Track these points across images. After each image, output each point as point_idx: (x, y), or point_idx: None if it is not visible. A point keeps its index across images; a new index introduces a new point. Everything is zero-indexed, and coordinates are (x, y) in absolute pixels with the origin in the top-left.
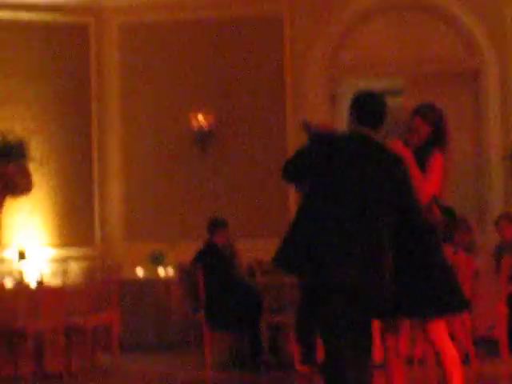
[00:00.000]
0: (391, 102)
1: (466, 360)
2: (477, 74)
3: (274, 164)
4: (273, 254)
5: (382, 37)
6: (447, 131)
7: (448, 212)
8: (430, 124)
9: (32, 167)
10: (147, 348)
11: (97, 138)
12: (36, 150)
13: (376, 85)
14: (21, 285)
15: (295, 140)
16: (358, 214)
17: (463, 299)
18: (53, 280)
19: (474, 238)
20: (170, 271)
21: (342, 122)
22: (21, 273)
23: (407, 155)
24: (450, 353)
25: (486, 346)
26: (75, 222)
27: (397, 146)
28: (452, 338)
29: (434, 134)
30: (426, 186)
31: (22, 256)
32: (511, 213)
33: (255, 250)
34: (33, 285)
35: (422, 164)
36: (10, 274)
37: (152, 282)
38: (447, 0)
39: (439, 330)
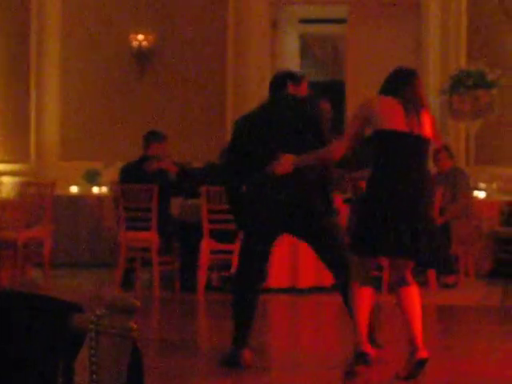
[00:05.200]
0: (335, 31)
1: (391, 290)
2: (419, 4)
3: (213, 85)
4: None
5: None
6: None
7: None
8: None
9: None
10: (79, 265)
11: (35, 53)
12: None
13: (319, 13)
14: None
15: (234, 62)
16: None
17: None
18: None
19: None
20: (105, 190)
21: (281, 47)
22: None
23: None
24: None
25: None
26: (11, 138)
27: None
28: (379, 267)
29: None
30: None
31: None
32: (449, 146)
33: None
34: None
35: None
36: None
37: (86, 199)
38: None
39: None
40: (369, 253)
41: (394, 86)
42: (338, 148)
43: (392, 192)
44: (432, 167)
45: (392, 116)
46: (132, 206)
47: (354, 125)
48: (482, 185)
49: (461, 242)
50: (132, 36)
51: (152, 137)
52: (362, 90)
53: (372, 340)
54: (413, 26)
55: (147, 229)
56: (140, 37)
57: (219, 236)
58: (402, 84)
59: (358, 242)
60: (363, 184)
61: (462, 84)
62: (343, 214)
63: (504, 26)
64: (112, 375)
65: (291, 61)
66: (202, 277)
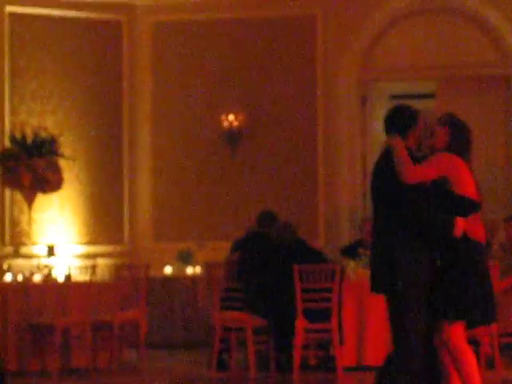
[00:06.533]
0: (423, 106)
1: (490, 365)
2: (508, 79)
3: (303, 163)
4: None
5: (414, 40)
6: (464, 139)
7: None
8: (446, 129)
9: (63, 164)
10: (174, 346)
11: (128, 136)
12: (67, 146)
13: (408, 88)
14: (49, 280)
15: (325, 141)
16: None
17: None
18: (81, 276)
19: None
20: (198, 270)
21: (370, 124)
22: (49, 268)
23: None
24: (466, 357)
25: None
26: (105, 220)
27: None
28: (476, 342)
29: (451, 140)
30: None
31: (51, 252)
32: None
33: None
34: (61, 280)
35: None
36: (39, 269)
37: (180, 280)
38: (478, 3)
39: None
40: (485, 322)
41: (463, 147)
42: (412, 177)
43: (482, 256)
44: (500, 235)
45: (470, 184)
46: (226, 286)
47: (432, 173)
48: None
49: None
50: (223, 117)
51: (271, 218)
52: None
53: None
54: (502, 98)
55: (241, 309)
56: (230, 117)
57: (313, 315)
58: (467, 144)
59: (472, 309)
60: None
61: None
62: None
63: None
64: None
65: (382, 137)
66: (297, 356)
